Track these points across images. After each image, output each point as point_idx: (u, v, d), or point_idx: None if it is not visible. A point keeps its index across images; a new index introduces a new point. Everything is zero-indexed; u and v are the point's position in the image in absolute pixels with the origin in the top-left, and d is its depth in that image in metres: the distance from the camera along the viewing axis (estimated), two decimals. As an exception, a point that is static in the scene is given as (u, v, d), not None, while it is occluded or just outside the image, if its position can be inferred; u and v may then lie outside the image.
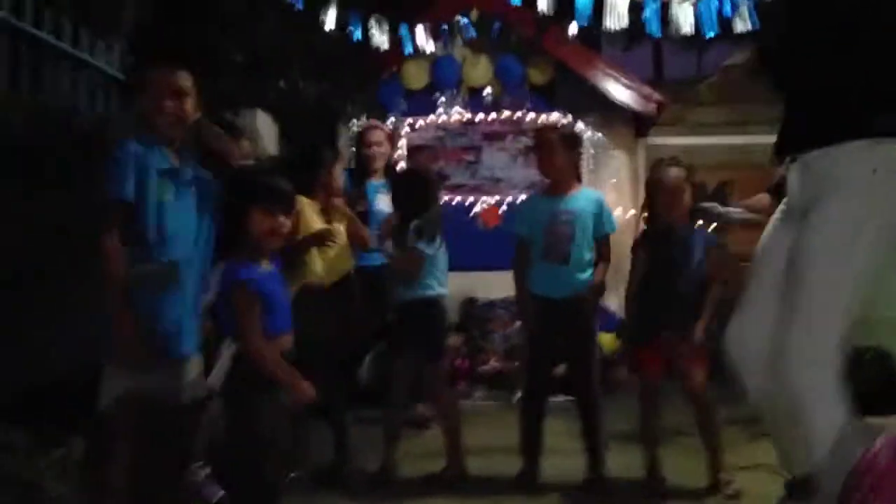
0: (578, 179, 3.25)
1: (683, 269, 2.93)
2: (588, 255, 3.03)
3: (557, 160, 3.04)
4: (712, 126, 7.23)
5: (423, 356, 3.08)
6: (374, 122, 4.18)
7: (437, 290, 3.14)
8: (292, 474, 2.94)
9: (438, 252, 3.11)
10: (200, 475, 2.58)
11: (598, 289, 3.03)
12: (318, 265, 3.09)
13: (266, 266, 2.09)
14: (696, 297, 2.93)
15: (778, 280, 2.05)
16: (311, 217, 3.19)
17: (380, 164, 3.91)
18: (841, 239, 1.91)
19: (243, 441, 1.96)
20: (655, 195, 2.99)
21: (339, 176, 3.30)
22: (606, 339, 6.36)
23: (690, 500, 2.79)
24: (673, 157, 3.14)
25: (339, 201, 3.28)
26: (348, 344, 3.23)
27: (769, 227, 2.21)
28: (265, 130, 4.86)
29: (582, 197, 3.08)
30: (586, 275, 3.00)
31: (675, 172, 2.97)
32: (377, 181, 3.91)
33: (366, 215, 3.69)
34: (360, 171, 3.78)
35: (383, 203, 3.90)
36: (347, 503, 2.82)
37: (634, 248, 3.07)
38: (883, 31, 1.87)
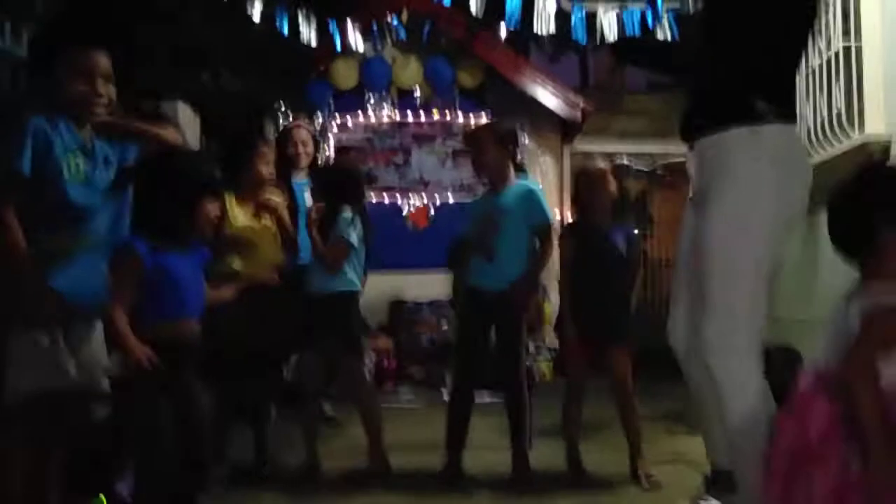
0: (518, 170, 3.24)
1: (606, 264, 2.99)
2: (521, 249, 3.02)
3: (488, 158, 3.06)
4: (636, 135, 7.46)
5: (342, 350, 3.02)
6: (298, 121, 4.11)
7: (357, 284, 3.11)
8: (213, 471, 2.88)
9: (360, 247, 3.09)
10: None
11: (526, 283, 3.01)
12: (237, 263, 3.01)
13: (181, 250, 2.03)
14: (619, 291, 3.00)
15: (691, 270, 2.11)
16: (236, 212, 3.10)
17: (304, 163, 3.85)
18: (732, 229, 1.95)
19: (137, 431, 1.88)
20: (580, 187, 3.06)
21: (267, 171, 3.22)
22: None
23: (611, 491, 2.84)
24: (604, 154, 3.23)
25: (269, 197, 3.21)
26: (273, 341, 3.14)
27: (685, 216, 2.24)
28: (187, 123, 4.70)
29: (512, 191, 3.09)
30: (516, 270, 3.01)
31: (600, 164, 3.04)
32: (302, 180, 3.85)
33: (292, 214, 3.63)
34: (285, 169, 3.71)
35: (309, 201, 3.84)
36: (269, 502, 2.73)
37: (560, 242, 3.12)
38: (762, 22, 1.93)
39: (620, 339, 3.00)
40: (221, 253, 3.03)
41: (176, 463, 1.95)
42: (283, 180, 3.72)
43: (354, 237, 3.04)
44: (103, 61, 2.04)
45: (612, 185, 3.03)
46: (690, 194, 2.25)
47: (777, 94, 1.95)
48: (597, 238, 3.02)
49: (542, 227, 3.04)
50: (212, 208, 2.28)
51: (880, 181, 1.45)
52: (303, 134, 3.89)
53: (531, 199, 3.05)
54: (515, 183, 3.12)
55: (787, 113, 1.97)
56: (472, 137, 3.15)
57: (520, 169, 3.34)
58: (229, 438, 3.04)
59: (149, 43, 4.18)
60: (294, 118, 6.22)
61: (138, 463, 1.95)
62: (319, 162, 4.17)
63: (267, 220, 3.18)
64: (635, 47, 2.30)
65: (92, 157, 2.01)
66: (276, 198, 3.27)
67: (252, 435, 3.08)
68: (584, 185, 3.04)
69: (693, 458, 3.23)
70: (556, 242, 3.10)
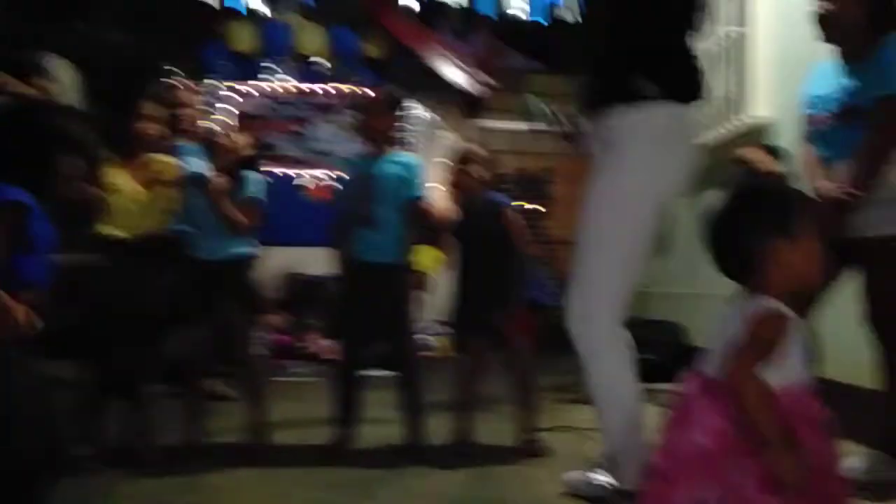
0: (399, 144, 3.21)
1: (484, 240, 2.97)
2: (400, 220, 2.97)
3: (372, 121, 2.99)
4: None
5: (236, 317, 2.88)
6: (182, 81, 3.87)
7: (252, 248, 2.99)
8: (81, 450, 2.68)
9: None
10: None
11: (406, 254, 2.99)
12: (107, 228, 2.82)
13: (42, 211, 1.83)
14: (504, 265, 2.98)
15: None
16: (117, 177, 2.89)
17: (189, 125, 3.63)
18: (604, 201, 2.01)
19: None
20: (455, 165, 3.05)
21: (155, 133, 3.02)
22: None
23: (502, 461, 2.85)
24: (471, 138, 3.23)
25: (154, 159, 3.01)
26: (153, 314, 2.95)
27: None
28: (67, 82, 4.34)
29: (391, 160, 3.03)
30: (398, 241, 2.96)
31: (468, 145, 3.03)
32: (185, 144, 3.64)
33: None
34: (169, 131, 3.49)
35: (197, 165, 3.65)
36: (147, 480, 2.56)
37: (446, 225, 3.10)
38: (643, 9, 1.99)
39: (510, 311, 2.98)
40: (95, 218, 2.83)
41: (28, 446, 1.76)
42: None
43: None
44: None
45: (476, 168, 3.00)
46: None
47: (662, 75, 1.98)
48: (476, 211, 3.00)
49: (410, 202, 3.01)
50: (75, 167, 2.06)
51: (744, 200, 1.47)
52: (187, 95, 3.67)
53: (410, 171, 3.02)
54: (395, 152, 3.08)
55: (674, 93, 1.99)
56: (364, 102, 3.08)
57: (402, 143, 3.33)
58: (107, 417, 2.85)
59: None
60: (188, 81, 5.92)
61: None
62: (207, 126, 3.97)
63: (158, 188, 2.99)
64: (516, 31, 2.31)
65: None
66: (166, 164, 3.07)
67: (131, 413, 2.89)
68: (459, 163, 3.04)
69: (581, 426, 3.30)
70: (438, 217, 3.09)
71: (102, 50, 4.22)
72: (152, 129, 3.02)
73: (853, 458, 2.43)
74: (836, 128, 2.47)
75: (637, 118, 1.96)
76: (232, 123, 6.02)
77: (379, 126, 2.99)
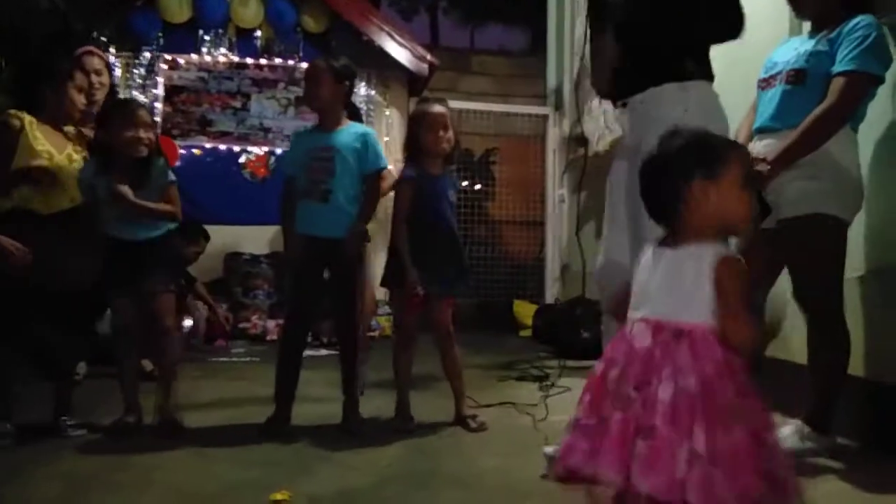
0: (352, 116, 3.13)
1: (439, 213, 2.94)
2: (353, 193, 2.93)
3: (323, 91, 2.90)
4: (481, 95, 7.55)
5: (153, 286, 2.79)
6: (90, 47, 3.68)
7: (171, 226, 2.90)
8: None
9: None
10: None
11: (359, 230, 2.92)
12: (32, 198, 2.72)
13: None
14: (447, 243, 2.96)
15: (623, 215, 2.15)
16: (36, 137, 2.76)
17: (100, 94, 3.46)
18: None
19: None
20: (416, 130, 2.96)
21: (80, 101, 2.90)
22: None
23: (439, 434, 2.86)
24: (439, 97, 3.13)
25: (78, 132, 2.91)
26: (75, 289, 2.83)
27: (613, 170, 2.29)
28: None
29: (346, 132, 2.96)
30: (351, 214, 2.91)
31: (438, 108, 2.96)
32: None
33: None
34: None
35: None
36: (71, 457, 2.48)
37: (397, 192, 3.03)
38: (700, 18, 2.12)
39: (445, 290, 2.97)
40: (13, 184, 2.70)
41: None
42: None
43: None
44: None
45: (450, 131, 2.96)
46: (619, 148, 2.35)
47: (701, 58, 2.15)
48: (430, 185, 2.95)
49: (373, 173, 2.96)
50: None
51: (670, 145, 1.51)
52: (95, 61, 3.49)
53: (368, 142, 2.95)
54: (348, 124, 3.01)
55: (708, 73, 2.17)
56: (310, 69, 2.95)
57: (354, 115, 3.23)
58: (21, 393, 2.74)
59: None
60: (119, 49, 5.67)
61: None
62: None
63: (79, 154, 2.87)
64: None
65: None
66: (85, 137, 2.95)
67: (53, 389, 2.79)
68: (422, 128, 2.95)
69: (520, 402, 3.35)
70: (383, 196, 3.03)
71: (31, 15, 3.99)
72: (80, 100, 2.89)
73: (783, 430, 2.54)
74: (782, 92, 2.56)
75: (684, 94, 2.07)
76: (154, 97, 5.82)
77: (328, 94, 2.91)
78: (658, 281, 1.46)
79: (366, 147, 2.93)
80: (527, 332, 6.12)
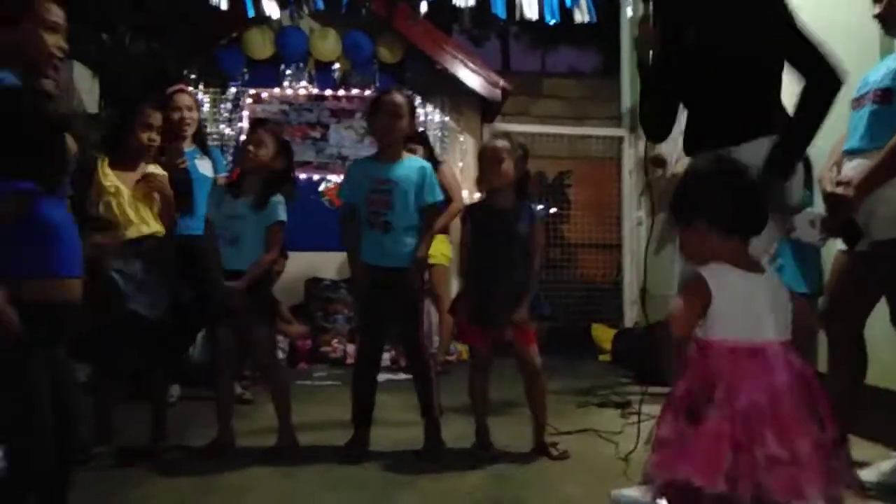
0: (421, 141, 3.21)
1: (505, 244, 2.93)
2: (412, 224, 2.98)
3: (402, 124, 2.98)
4: (554, 118, 7.55)
5: (253, 321, 2.91)
6: (182, 85, 3.91)
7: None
8: (97, 449, 2.73)
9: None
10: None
11: (420, 261, 2.99)
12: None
13: (50, 193, 1.81)
14: (521, 273, 2.94)
15: None
16: (106, 175, 2.92)
17: (190, 129, 3.67)
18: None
19: (7, 405, 1.71)
20: (481, 166, 3.01)
21: (147, 138, 3.00)
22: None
23: (520, 463, 2.85)
24: (505, 132, 3.17)
25: (152, 171, 3.01)
26: (169, 316, 2.97)
27: None
28: (85, 86, 4.40)
29: (405, 165, 3.03)
30: (411, 245, 2.96)
31: (497, 143, 2.97)
32: (188, 147, 3.68)
33: (187, 176, 3.51)
34: (170, 135, 3.53)
35: (203, 168, 3.70)
36: (164, 479, 2.59)
37: (462, 221, 3.07)
38: (765, 54, 2.09)
39: (498, 319, 2.91)
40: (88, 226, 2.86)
41: (51, 440, 1.79)
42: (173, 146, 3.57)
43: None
44: None
45: (508, 164, 2.93)
46: None
47: (781, 107, 2.12)
48: (495, 217, 2.96)
49: (429, 206, 3.02)
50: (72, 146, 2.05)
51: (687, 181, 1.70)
52: (186, 98, 3.70)
53: (426, 176, 3.01)
54: (406, 157, 3.08)
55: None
56: (391, 103, 3.01)
57: (423, 140, 3.31)
58: (121, 415, 2.89)
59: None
60: (207, 86, 5.98)
61: (11, 440, 1.77)
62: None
63: (152, 195, 3.00)
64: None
65: None
66: (158, 170, 3.08)
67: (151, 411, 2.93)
68: (483, 163, 3.00)
69: (602, 429, 3.29)
70: (449, 222, 3.05)
71: (124, 58, 4.26)
72: (148, 138, 3.00)
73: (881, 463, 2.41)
74: (870, 112, 2.46)
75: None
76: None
77: (396, 127, 2.98)
78: (771, 305, 1.59)
79: (423, 181, 3.00)
80: (605, 357, 6.01)
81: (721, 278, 1.57)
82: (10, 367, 1.70)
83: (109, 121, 3.62)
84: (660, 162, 5.48)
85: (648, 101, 2.41)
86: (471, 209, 3.13)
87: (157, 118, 3.03)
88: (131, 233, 2.89)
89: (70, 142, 1.91)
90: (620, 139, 6.73)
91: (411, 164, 3.06)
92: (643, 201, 6.38)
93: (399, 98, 3.02)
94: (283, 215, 2.96)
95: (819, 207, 3.32)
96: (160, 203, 3.02)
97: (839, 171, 2.52)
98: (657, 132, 2.46)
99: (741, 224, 1.62)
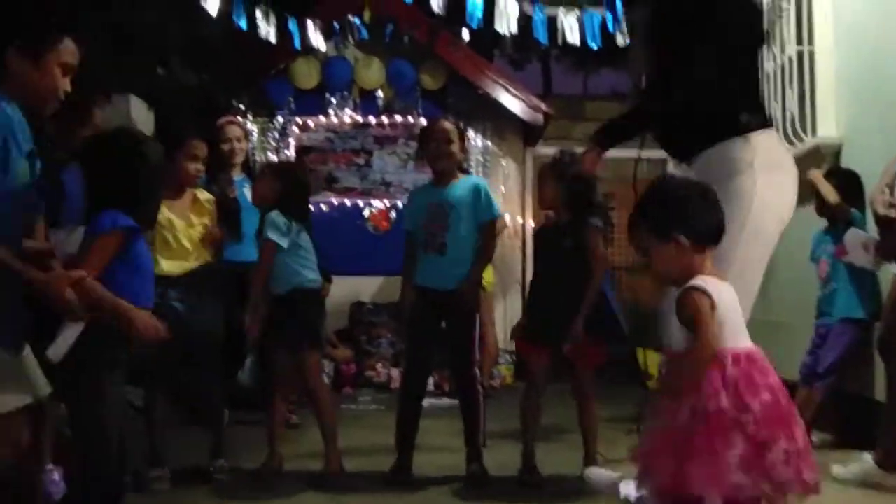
0: (462, 170, 3.25)
1: (559, 260, 2.94)
2: (470, 245, 3.01)
3: (453, 150, 3.03)
4: (597, 140, 7.51)
5: (302, 346, 2.95)
6: (231, 116, 4.05)
7: (316, 281, 3.05)
8: (152, 473, 2.78)
9: (306, 243, 3.03)
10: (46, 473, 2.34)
11: (475, 278, 3.00)
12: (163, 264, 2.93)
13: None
14: (575, 289, 2.92)
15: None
16: (160, 210, 2.99)
17: (239, 158, 3.79)
18: (737, 210, 2.00)
19: (84, 425, 1.78)
20: (539, 187, 3.04)
21: (194, 168, 3.07)
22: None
23: (568, 491, 2.81)
24: (562, 150, 3.15)
25: (204, 198, 3.11)
26: (223, 342, 3.05)
27: None
28: (140, 119, 4.59)
29: (460, 186, 3.06)
30: (465, 267, 2.98)
31: (547, 162, 3.02)
32: (237, 176, 3.78)
33: (236, 204, 3.59)
34: (220, 165, 3.64)
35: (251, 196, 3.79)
36: (218, 502, 2.64)
37: (535, 244, 3.11)
38: (731, 50, 2.10)
39: (575, 339, 2.92)
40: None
41: (116, 466, 1.85)
42: (217, 175, 3.65)
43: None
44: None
45: (556, 178, 2.94)
46: None
47: (753, 106, 2.14)
48: (551, 234, 2.98)
49: (488, 223, 3.03)
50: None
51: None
52: (235, 129, 3.82)
53: (481, 193, 3.03)
54: (461, 177, 3.11)
55: (765, 121, 2.17)
56: (441, 130, 3.06)
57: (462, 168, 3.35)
58: (174, 439, 2.96)
59: (101, 34, 4.07)
60: (255, 115, 6.16)
61: (82, 462, 1.84)
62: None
63: (203, 220, 3.08)
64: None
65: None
66: (206, 197, 3.16)
67: (203, 435, 2.99)
68: (539, 180, 3.04)
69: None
70: (503, 241, 3.07)
71: (177, 90, 4.43)
72: (195, 168, 3.07)
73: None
74: None
75: (748, 146, 2.05)
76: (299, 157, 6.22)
77: (450, 152, 3.03)
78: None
79: (478, 198, 3.02)
80: (653, 383, 5.90)
81: (712, 288, 1.62)
82: (90, 389, 1.77)
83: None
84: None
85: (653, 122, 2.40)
86: (537, 232, 3.15)
87: (202, 149, 3.11)
88: (189, 263, 2.97)
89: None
90: (664, 161, 6.65)
91: (465, 183, 3.09)
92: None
93: (448, 124, 3.09)
94: (268, 233, 2.92)
95: (871, 229, 3.27)
96: (209, 227, 3.08)
97: (892, 193, 2.47)
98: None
99: (714, 235, 1.68)
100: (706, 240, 1.67)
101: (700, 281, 1.62)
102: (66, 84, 1.88)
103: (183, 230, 3.01)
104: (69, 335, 1.71)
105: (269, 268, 2.93)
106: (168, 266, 2.93)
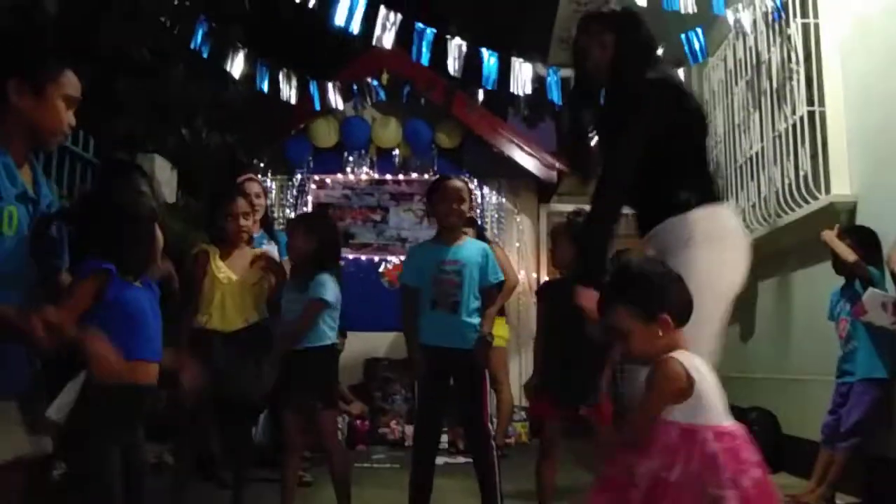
0: (471, 223, 3.30)
1: (571, 318, 2.92)
2: (476, 304, 3.03)
3: (464, 208, 3.07)
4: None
5: (315, 405, 2.94)
6: (250, 174, 4.14)
7: (333, 338, 3.06)
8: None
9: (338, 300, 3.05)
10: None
11: (486, 338, 3.01)
12: (216, 318, 2.99)
13: (138, 282, 1.93)
14: (595, 350, 2.91)
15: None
16: (219, 267, 3.07)
17: (258, 215, 3.85)
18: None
19: (83, 487, 1.78)
20: (552, 245, 3.06)
21: (246, 224, 3.17)
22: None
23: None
24: (576, 210, 3.19)
25: (263, 251, 3.20)
26: (253, 401, 3.06)
27: None
28: (164, 178, 4.70)
29: (468, 247, 3.10)
30: (475, 323, 3.00)
31: (557, 224, 3.05)
32: (256, 233, 3.85)
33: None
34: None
35: (271, 253, 3.84)
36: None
37: (537, 300, 3.10)
38: (675, 156, 2.20)
39: (589, 398, 2.90)
40: (197, 308, 3.00)
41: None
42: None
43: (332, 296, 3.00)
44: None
45: (571, 239, 2.94)
46: None
47: (694, 185, 2.19)
48: (564, 291, 2.97)
49: (493, 286, 3.06)
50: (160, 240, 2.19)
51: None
52: (255, 186, 3.90)
53: (488, 257, 3.08)
54: (466, 239, 3.16)
55: (707, 198, 2.19)
56: (454, 189, 3.11)
57: (471, 223, 3.38)
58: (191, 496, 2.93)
59: (129, 96, 4.22)
60: (275, 173, 6.30)
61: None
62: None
63: (260, 273, 3.14)
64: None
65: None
66: (258, 252, 3.24)
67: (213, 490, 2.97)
68: (551, 240, 3.06)
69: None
70: (505, 301, 3.07)
71: (201, 150, 4.56)
72: (245, 219, 3.16)
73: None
74: None
75: (684, 224, 2.11)
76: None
77: (462, 211, 3.08)
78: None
79: (486, 262, 3.06)
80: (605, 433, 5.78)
81: (691, 362, 1.63)
82: (91, 454, 1.77)
83: (195, 213, 3.81)
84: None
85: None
86: (543, 287, 3.15)
87: (244, 205, 3.20)
88: (238, 322, 3.01)
89: (158, 233, 2.03)
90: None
91: (474, 245, 3.14)
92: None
93: (460, 183, 3.14)
94: (322, 293, 2.92)
95: (890, 287, 3.25)
96: (273, 281, 3.13)
97: None
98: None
99: (690, 312, 1.70)
100: (686, 317, 1.69)
101: (678, 355, 1.63)
102: (70, 118, 1.83)
103: (240, 290, 3.05)
104: (70, 393, 1.70)
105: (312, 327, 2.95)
106: (218, 323, 2.98)
